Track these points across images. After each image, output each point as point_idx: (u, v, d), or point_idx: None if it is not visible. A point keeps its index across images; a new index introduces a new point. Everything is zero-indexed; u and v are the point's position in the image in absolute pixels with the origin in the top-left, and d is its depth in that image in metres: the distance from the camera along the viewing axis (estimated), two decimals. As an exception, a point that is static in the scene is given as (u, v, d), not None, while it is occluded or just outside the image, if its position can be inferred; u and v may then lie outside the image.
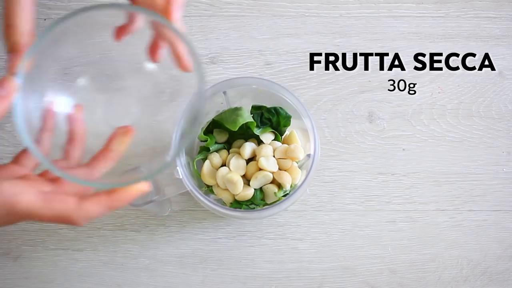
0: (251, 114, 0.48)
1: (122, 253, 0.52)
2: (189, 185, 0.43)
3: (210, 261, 0.52)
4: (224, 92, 0.48)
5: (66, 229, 0.52)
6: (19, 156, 0.33)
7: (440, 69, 0.55)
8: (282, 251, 0.52)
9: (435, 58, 0.55)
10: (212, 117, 0.49)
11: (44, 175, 0.32)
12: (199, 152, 0.48)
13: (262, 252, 0.52)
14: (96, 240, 0.52)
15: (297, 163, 0.48)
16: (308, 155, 0.47)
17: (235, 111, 0.47)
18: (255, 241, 0.52)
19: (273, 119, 0.49)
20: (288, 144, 0.48)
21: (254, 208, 0.47)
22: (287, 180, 0.46)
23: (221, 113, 0.48)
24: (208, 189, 0.48)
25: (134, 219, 0.52)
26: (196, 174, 0.48)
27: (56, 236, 0.52)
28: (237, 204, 0.47)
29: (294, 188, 0.47)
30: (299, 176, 0.47)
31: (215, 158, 0.48)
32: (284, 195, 0.47)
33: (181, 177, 0.43)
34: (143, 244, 0.52)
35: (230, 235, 0.52)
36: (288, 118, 0.48)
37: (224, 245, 0.52)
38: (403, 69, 0.55)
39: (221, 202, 0.48)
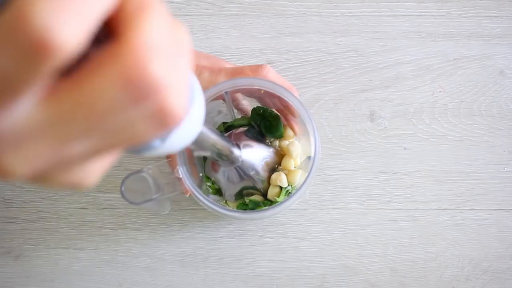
0: (253, 117, 0.48)
1: (123, 252, 0.52)
2: (189, 184, 0.43)
3: (211, 260, 0.52)
4: (226, 92, 0.48)
5: (67, 228, 0.52)
6: None
7: (441, 68, 0.55)
8: (283, 250, 0.52)
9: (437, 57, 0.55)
10: (213, 116, 0.49)
11: None
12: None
13: (264, 251, 0.52)
14: (98, 239, 0.52)
15: (298, 164, 0.48)
16: (309, 157, 0.47)
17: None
18: (256, 240, 0.52)
19: (272, 121, 0.49)
20: (288, 144, 0.48)
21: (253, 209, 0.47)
22: (285, 181, 0.46)
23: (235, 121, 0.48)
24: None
25: (135, 218, 0.52)
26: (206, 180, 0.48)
27: (57, 235, 0.52)
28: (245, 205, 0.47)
29: (294, 189, 0.47)
30: (299, 176, 0.47)
31: None
32: (285, 195, 0.47)
33: (181, 176, 0.43)
34: (144, 243, 0.52)
35: (232, 234, 0.52)
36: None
37: (226, 244, 0.52)
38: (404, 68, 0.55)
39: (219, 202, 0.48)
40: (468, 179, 0.53)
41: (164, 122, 0.16)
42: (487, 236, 0.52)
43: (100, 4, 0.14)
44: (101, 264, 0.52)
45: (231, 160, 0.40)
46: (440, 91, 0.55)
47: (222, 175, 0.46)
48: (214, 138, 0.32)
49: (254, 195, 0.47)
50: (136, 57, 0.14)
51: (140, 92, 0.14)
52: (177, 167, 0.42)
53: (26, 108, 0.14)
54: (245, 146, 0.44)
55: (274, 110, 0.48)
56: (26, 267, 0.52)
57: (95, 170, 0.18)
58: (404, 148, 0.54)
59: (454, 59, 0.55)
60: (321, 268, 0.52)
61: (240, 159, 0.41)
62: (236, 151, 0.40)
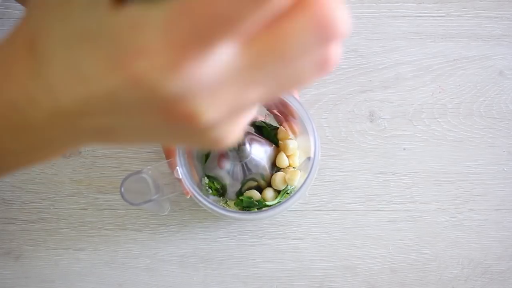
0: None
1: (123, 252, 0.52)
2: (189, 185, 0.43)
3: (211, 260, 0.52)
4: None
5: (67, 229, 0.52)
6: None
7: (441, 68, 0.55)
8: (283, 251, 0.52)
9: (436, 57, 0.55)
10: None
11: None
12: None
13: (263, 252, 0.52)
14: (97, 239, 0.52)
15: (297, 164, 0.48)
16: (309, 158, 0.47)
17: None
18: (256, 240, 0.52)
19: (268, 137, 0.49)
20: (287, 145, 0.48)
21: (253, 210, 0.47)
22: (285, 182, 0.46)
23: None
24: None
25: (135, 219, 0.52)
26: (210, 185, 0.48)
27: (57, 236, 0.52)
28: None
29: (294, 190, 0.47)
30: (298, 177, 0.47)
31: None
32: (285, 195, 0.47)
33: (181, 177, 0.43)
34: (144, 244, 0.52)
35: (231, 234, 0.52)
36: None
37: (225, 245, 0.52)
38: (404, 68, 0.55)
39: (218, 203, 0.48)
40: (467, 179, 0.53)
41: (325, 68, 0.16)
42: (487, 236, 0.52)
43: None
44: (101, 265, 0.52)
45: (241, 154, 0.40)
46: (439, 92, 0.55)
47: (226, 173, 0.46)
48: None
49: (251, 190, 0.47)
50: (325, 4, 0.15)
51: (330, 33, 0.15)
52: (177, 168, 0.42)
53: (228, 52, 0.14)
54: (252, 141, 0.45)
55: (272, 124, 0.48)
56: (26, 268, 0.52)
57: (241, 124, 0.17)
58: (404, 149, 0.54)
59: (454, 60, 0.55)
60: (321, 268, 0.52)
61: (250, 155, 0.41)
62: (247, 145, 0.40)
